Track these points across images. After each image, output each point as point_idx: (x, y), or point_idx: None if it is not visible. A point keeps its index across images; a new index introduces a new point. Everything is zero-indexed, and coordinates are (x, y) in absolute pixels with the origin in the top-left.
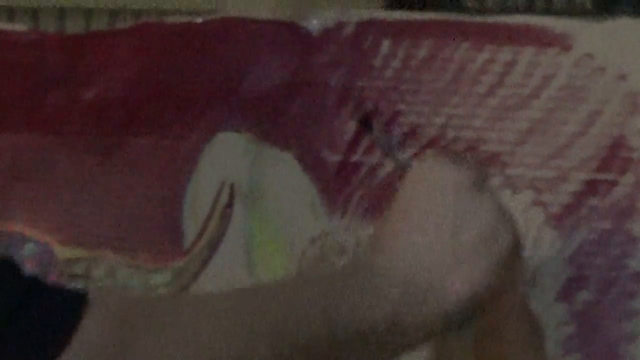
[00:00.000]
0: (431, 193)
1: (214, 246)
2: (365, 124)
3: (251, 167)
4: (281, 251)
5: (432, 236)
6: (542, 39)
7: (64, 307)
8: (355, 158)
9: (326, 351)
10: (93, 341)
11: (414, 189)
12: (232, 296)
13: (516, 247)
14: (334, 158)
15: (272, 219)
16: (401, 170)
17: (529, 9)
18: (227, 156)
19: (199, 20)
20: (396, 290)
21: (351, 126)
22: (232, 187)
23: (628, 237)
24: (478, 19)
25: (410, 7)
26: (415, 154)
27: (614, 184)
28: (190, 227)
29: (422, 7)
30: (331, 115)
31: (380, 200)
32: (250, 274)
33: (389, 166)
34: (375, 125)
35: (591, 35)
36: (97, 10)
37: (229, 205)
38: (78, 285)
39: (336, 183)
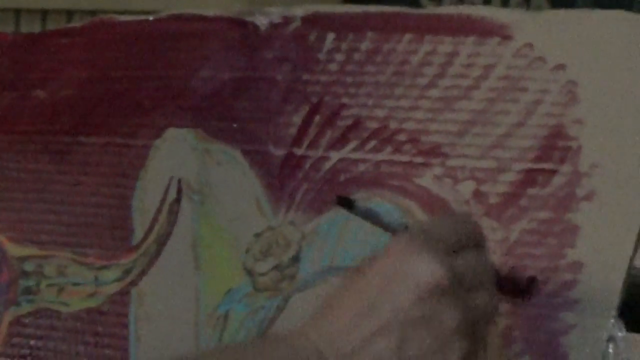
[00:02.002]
0: (396, 285)
1: (162, 242)
2: (346, 204)
3: (199, 163)
4: (227, 247)
5: (379, 340)
6: (483, 29)
7: None
8: (299, 152)
9: None
10: None
11: (383, 270)
12: None
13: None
14: (278, 152)
15: (218, 215)
16: (393, 233)
17: None
18: (175, 152)
19: (150, 18)
20: None
21: (296, 120)
22: (180, 183)
23: (567, 226)
24: (420, 10)
25: (368, 3)
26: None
27: (553, 173)
28: (139, 224)
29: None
30: (277, 110)
31: (324, 194)
32: (197, 270)
33: (333, 159)
34: (359, 202)
35: (531, 25)
36: (53, 11)
37: (177, 201)
38: (30, 282)
39: (281, 178)
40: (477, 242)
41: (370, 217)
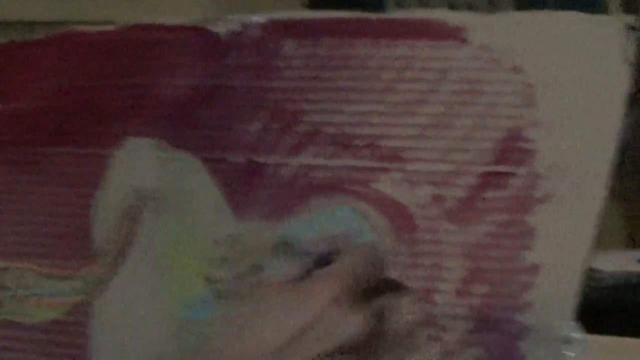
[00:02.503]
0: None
1: (123, 252)
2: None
3: (160, 172)
4: (188, 255)
5: None
6: (438, 33)
7: None
8: (259, 159)
9: None
10: None
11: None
12: None
13: None
14: (238, 160)
15: (178, 224)
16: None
17: None
18: (136, 162)
19: (112, 28)
20: None
21: (255, 127)
22: (141, 192)
23: (524, 228)
24: (376, 15)
25: (332, 8)
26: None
27: (510, 176)
28: (99, 234)
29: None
30: (236, 118)
31: (285, 200)
32: (158, 279)
33: (292, 166)
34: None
35: (487, 28)
36: (15, 23)
37: (139, 210)
38: None
39: (241, 185)
40: None
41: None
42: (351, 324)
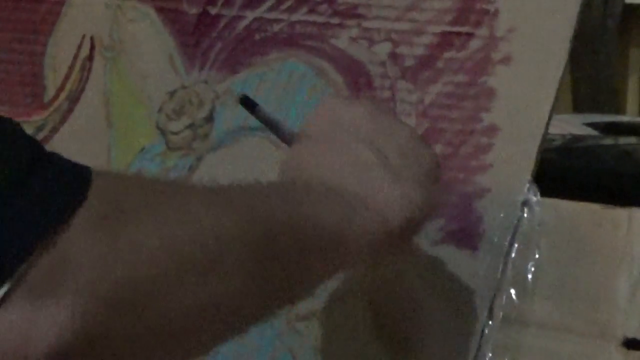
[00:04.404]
0: (344, 117)
1: (74, 99)
2: (247, 103)
3: (112, 20)
4: (139, 105)
5: (359, 154)
6: None
7: (73, 179)
8: (214, 11)
9: (277, 257)
10: (92, 215)
11: (323, 119)
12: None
13: (437, 168)
14: (192, 11)
15: (130, 72)
16: (289, 142)
17: None
18: (88, 9)
19: None
20: (333, 202)
21: None
22: (92, 40)
23: (483, 90)
24: None
25: None
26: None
27: (469, 37)
28: (51, 81)
29: None
30: None
31: (239, 53)
32: (109, 127)
33: (248, 18)
34: (261, 107)
35: None
36: None
37: (89, 58)
38: None
39: (195, 36)
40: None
41: (269, 123)
42: None
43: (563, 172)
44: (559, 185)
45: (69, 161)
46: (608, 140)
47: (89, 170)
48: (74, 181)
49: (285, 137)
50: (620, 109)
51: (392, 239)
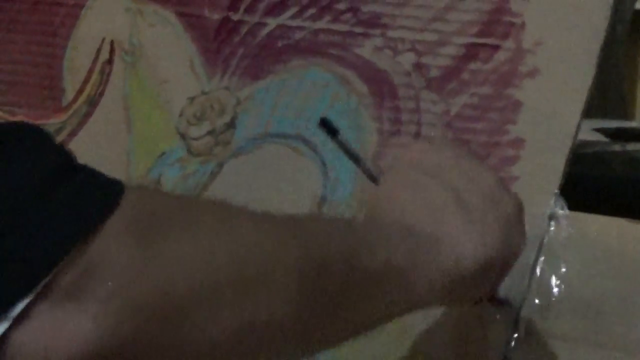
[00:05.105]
0: (429, 160)
1: (93, 103)
2: (328, 128)
3: (132, 24)
4: (159, 109)
5: (437, 195)
6: None
7: (104, 188)
8: (236, 17)
9: (335, 296)
10: (123, 224)
11: (410, 161)
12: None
13: (520, 214)
14: (214, 16)
15: (150, 77)
16: (372, 179)
17: None
18: (108, 13)
19: None
20: (405, 241)
21: None
22: (112, 44)
23: (509, 102)
24: None
25: None
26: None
27: (495, 49)
28: (70, 84)
29: None
30: None
31: (261, 60)
32: (128, 131)
33: (270, 25)
34: (342, 134)
35: None
36: None
37: (109, 62)
38: None
39: (216, 42)
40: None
41: (350, 155)
42: None
43: (570, 178)
44: (565, 191)
45: (101, 173)
46: (616, 147)
47: (121, 182)
48: (105, 190)
49: (370, 173)
50: (629, 115)
51: (465, 280)
